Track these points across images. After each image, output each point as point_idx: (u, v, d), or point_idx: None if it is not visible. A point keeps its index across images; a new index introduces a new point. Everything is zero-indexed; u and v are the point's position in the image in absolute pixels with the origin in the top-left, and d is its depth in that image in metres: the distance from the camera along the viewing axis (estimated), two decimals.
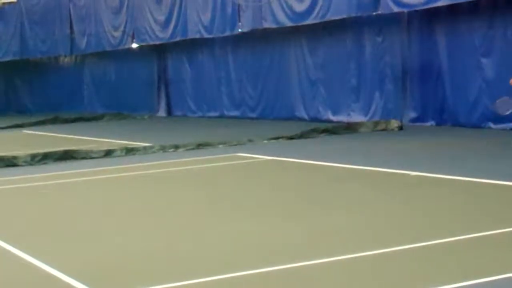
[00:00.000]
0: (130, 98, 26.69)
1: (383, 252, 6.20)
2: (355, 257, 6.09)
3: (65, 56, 30.04)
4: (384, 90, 17.76)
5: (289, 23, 19.15)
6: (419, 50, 16.98)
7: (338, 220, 7.67)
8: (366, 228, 7.24)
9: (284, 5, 19.01)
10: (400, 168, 10.65)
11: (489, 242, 6.41)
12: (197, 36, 22.31)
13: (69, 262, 6.54)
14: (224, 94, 22.70)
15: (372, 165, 11.09)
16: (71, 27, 28.16)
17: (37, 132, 21.72)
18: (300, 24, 18.90)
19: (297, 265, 5.95)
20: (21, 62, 29.64)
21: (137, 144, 15.64)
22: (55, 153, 14.20)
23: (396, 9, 16.37)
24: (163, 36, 23.82)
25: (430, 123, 16.57)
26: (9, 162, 13.65)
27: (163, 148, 14.70)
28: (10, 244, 7.26)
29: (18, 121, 24.58)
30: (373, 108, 17.91)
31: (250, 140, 15.22)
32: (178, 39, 23.25)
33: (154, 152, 14.54)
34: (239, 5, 20.45)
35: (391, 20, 17.44)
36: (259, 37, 21.00)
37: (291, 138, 15.41)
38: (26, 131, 22.46)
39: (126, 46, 25.84)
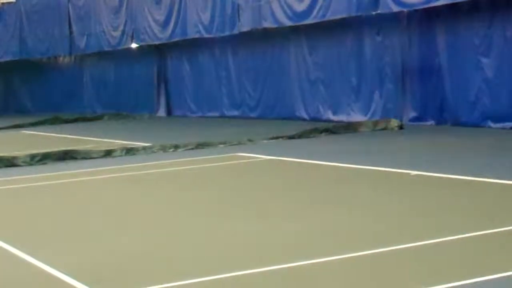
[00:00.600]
0: (130, 98, 26.67)
1: (383, 251, 6.19)
2: (355, 256, 6.09)
3: (65, 56, 30.03)
4: (384, 89, 17.75)
5: (288, 23, 19.14)
6: (419, 50, 16.97)
7: (338, 220, 7.66)
8: (366, 227, 7.23)
9: (284, 5, 19.00)
10: (401, 167, 10.64)
11: (490, 241, 6.40)
12: (197, 36, 22.30)
13: (69, 262, 6.53)
14: (224, 94, 22.69)
15: (372, 165, 11.08)
16: (70, 27, 28.15)
17: (36, 132, 21.72)
18: (300, 23, 18.89)
19: (297, 264, 5.94)
20: (21, 62, 29.63)
21: (137, 144, 15.63)
22: (54, 153, 14.19)
23: (395, 8, 16.36)
24: (162, 36, 23.81)
25: (430, 122, 16.56)
26: (9, 162, 13.64)
27: (163, 148, 14.69)
28: (10, 244, 7.25)
29: (18, 121, 24.57)
30: (373, 107, 17.90)
31: (250, 140, 15.21)
32: (177, 39, 23.24)
33: (154, 152, 14.53)
34: (238, 5, 20.45)
35: (391, 19, 17.43)
36: (259, 37, 20.99)
37: (291, 137, 15.40)
38: (25, 131, 22.45)
39: (126, 46, 25.83)
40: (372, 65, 17.99)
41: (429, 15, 16.59)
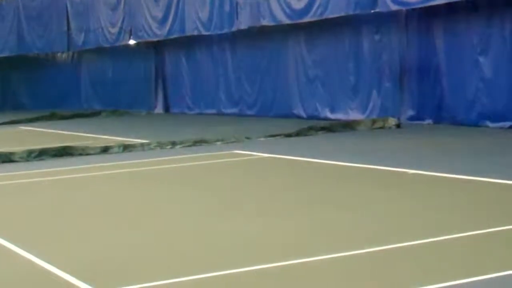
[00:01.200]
0: (127, 94, 26.65)
1: (381, 250, 6.18)
2: (353, 255, 6.08)
3: (62, 52, 30.00)
4: (382, 88, 17.75)
5: (287, 21, 19.13)
6: (417, 49, 16.97)
7: (335, 218, 7.66)
8: (364, 226, 7.23)
9: (282, 3, 18.99)
10: (398, 166, 10.63)
11: (487, 240, 6.40)
12: (195, 33, 22.28)
13: (66, 259, 6.52)
14: (222, 91, 22.68)
15: (370, 163, 11.08)
16: (68, 24, 28.11)
17: (33, 128, 21.70)
18: (298, 21, 18.88)
19: (294, 262, 5.94)
20: (18, 58, 29.57)
21: (134, 141, 15.62)
22: (51, 149, 14.17)
23: (394, 7, 16.36)
24: (160, 33, 23.79)
25: (428, 121, 16.57)
26: (6, 158, 13.62)
27: (160, 145, 14.68)
28: (7, 241, 7.23)
29: (15, 117, 24.52)
30: (370, 106, 17.90)
31: (247, 138, 15.20)
32: (175, 36, 23.22)
33: (151, 148, 14.53)
34: (237, 2, 20.43)
35: (389, 18, 17.43)
36: (257, 35, 20.97)
37: (289, 135, 15.40)
38: (22, 127, 22.43)
39: (124, 43, 25.81)
40: (370, 64, 17.99)
41: (427, 14, 16.59)
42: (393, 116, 16.68)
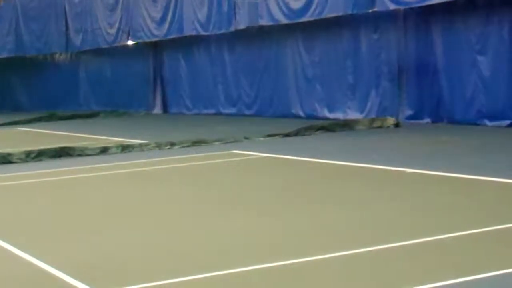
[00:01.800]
0: (126, 95, 26.63)
1: (379, 249, 6.18)
2: (351, 254, 6.08)
3: (61, 53, 29.98)
4: (380, 87, 17.75)
5: (285, 21, 19.12)
6: (415, 48, 16.98)
7: (333, 217, 7.66)
8: (362, 225, 7.23)
9: (281, 3, 18.99)
10: (396, 165, 10.64)
11: (486, 239, 6.40)
12: (193, 33, 22.27)
13: (64, 259, 6.51)
14: (220, 91, 22.67)
15: (368, 163, 11.08)
16: (67, 24, 28.10)
17: (32, 129, 21.68)
18: (296, 21, 18.87)
19: (293, 261, 5.93)
20: (17, 59, 29.55)
21: (132, 141, 15.61)
22: (50, 150, 14.16)
23: (392, 6, 16.36)
24: (158, 33, 23.78)
25: (426, 120, 16.57)
26: (4, 159, 13.61)
27: (159, 145, 14.67)
28: (6, 242, 7.22)
29: (13, 118, 24.52)
30: (369, 105, 17.90)
31: (246, 138, 15.20)
32: (174, 36, 23.21)
33: (149, 149, 14.53)
34: (235, 2, 20.42)
35: (387, 17, 17.43)
36: (255, 35, 20.97)
37: (287, 135, 15.40)
38: (21, 128, 22.41)
39: (122, 43, 25.80)
40: (368, 63, 17.99)
41: (426, 13, 16.59)
42: (391, 116, 16.69)
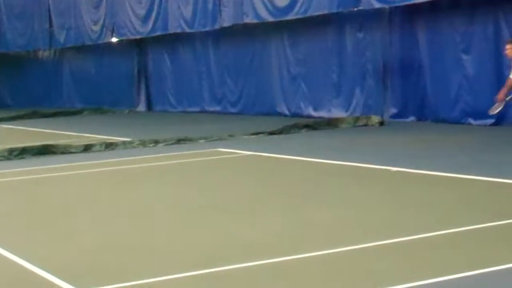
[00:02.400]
0: (110, 92, 26.53)
1: (364, 247, 6.17)
2: (336, 252, 6.06)
3: (44, 50, 29.82)
4: (365, 85, 17.77)
5: (270, 18, 19.09)
6: (400, 46, 17.00)
7: (318, 215, 7.63)
8: (346, 223, 7.21)
9: (266, 0, 18.96)
10: (381, 163, 10.64)
11: (470, 237, 6.40)
12: (178, 30, 22.19)
13: (46, 258, 6.45)
14: (205, 89, 22.62)
15: (353, 161, 11.07)
16: (50, 21, 27.95)
17: (15, 127, 21.54)
18: (281, 19, 18.85)
19: (278, 260, 5.91)
20: (0, 56, 29.36)
21: (116, 139, 15.53)
22: (33, 147, 14.07)
23: (377, 5, 16.36)
24: (143, 30, 23.68)
25: (411, 118, 16.60)
26: None
27: (143, 143, 14.61)
28: None
29: None
30: (354, 103, 17.91)
31: (230, 135, 15.16)
32: (158, 33, 23.13)
33: (133, 147, 14.46)
34: (220, 0, 20.37)
35: (372, 16, 17.43)
36: (240, 32, 20.93)
37: (272, 133, 15.37)
38: (4, 125, 22.27)
39: (106, 41, 25.68)
40: (353, 62, 18.00)
41: (410, 12, 16.61)
42: (376, 114, 16.70)
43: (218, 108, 22.03)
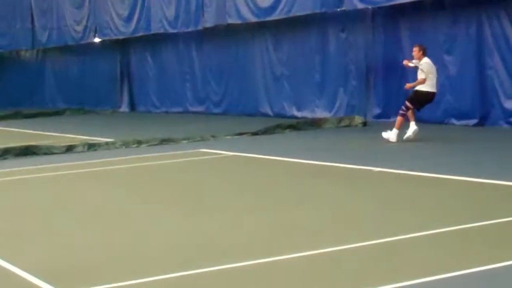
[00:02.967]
0: (93, 93, 26.43)
1: (346, 248, 6.16)
2: (318, 253, 6.05)
3: (26, 50, 29.65)
4: (348, 86, 17.79)
5: (253, 19, 19.09)
6: (383, 47, 17.04)
7: (300, 216, 7.62)
8: (329, 224, 7.21)
9: (249, 1, 18.95)
10: (364, 164, 10.64)
11: (452, 238, 6.41)
12: (161, 31, 22.15)
13: (28, 259, 6.40)
14: (188, 89, 22.58)
15: (336, 161, 11.07)
16: (33, 21, 27.82)
17: None
18: (264, 19, 18.84)
19: (259, 261, 5.89)
20: None
21: (99, 140, 15.46)
22: (15, 148, 13.98)
23: (360, 5, 16.40)
24: (126, 30, 23.62)
25: (394, 119, 16.55)
26: None
27: (126, 144, 14.55)
28: None
29: None
30: (337, 104, 17.93)
31: (213, 136, 15.14)
32: (141, 34, 23.08)
33: (116, 147, 14.40)
34: (203, 1, 20.34)
35: (356, 16, 17.46)
36: (224, 33, 20.91)
37: (255, 134, 15.36)
38: None
39: (89, 41, 25.61)
40: (336, 62, 18.02)
41: (393, 13, 16.65)
42: (359, 114, 16.73)
43: (201, 109, 21.99)
